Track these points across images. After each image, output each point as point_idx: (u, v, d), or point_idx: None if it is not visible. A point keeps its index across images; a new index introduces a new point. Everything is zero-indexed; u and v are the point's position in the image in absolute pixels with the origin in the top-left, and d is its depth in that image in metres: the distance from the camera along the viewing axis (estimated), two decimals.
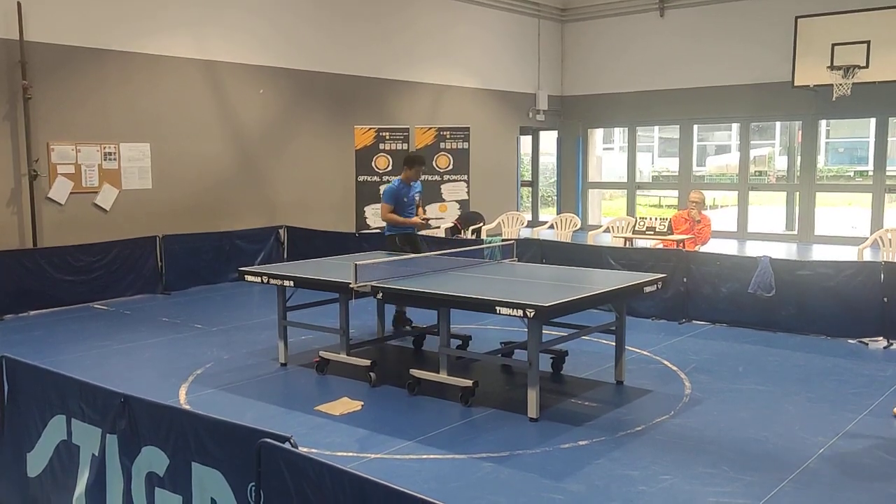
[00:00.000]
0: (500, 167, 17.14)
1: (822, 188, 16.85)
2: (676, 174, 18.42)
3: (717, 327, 8.49)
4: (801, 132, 16.43)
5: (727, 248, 13.68)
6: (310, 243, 11.71)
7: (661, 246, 10.29)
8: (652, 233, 10.58)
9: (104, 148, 10.83)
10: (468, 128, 14.09)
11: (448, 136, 13.79)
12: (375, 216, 12.45)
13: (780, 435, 5.28)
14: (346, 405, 5.94)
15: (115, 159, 10.94)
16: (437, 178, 13.78)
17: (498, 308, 5.44)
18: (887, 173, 15.38)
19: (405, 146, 13.56)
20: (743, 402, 5.98)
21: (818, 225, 16.02)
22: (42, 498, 3.93)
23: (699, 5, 16.61)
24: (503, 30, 17.09)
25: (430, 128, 13.88)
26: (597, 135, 19.88)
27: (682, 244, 10.13)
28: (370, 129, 13.41)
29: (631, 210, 17.94)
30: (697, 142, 20.19)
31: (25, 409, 3.99)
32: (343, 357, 6.75)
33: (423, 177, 13.45)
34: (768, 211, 19.22)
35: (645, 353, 7.42)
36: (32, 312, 9.39)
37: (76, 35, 10.51)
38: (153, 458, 3.31)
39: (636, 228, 10.90)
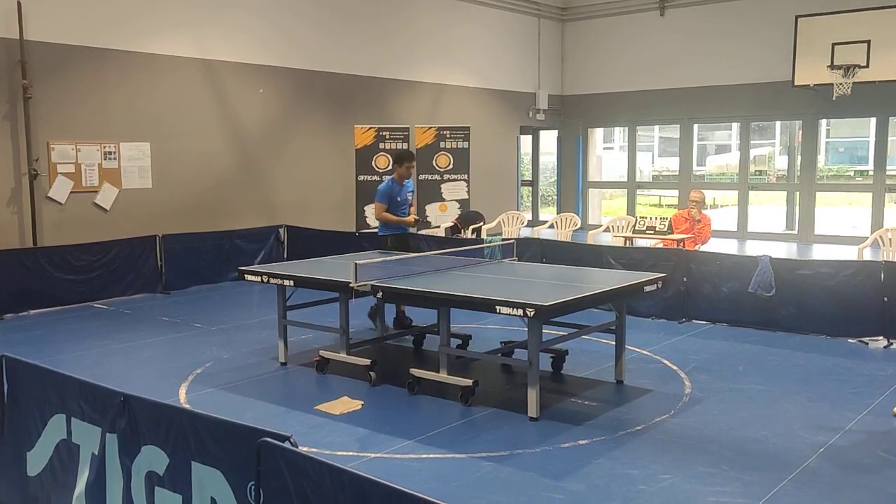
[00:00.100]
0: (501, 167, 17.14)
1: (822, 188, 16.85)
2: (676, 174, 18.42)
3: (717, 327, 8.49)
4: (801, 132, 16.42)
5: (727, 247, 13.68)
6: (310, 243, 11.71)
7: (661, 245, 10.28)
8: (652, 232, 10.57)
9: (104, 147, 10.83)
10: (468, 127, 14.09)
11: (448, 136, 13.79)
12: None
13: (780, 434, 5.28)
14: (346, 404, 5.94)
15: (115, 159, 10.94)
16: (437, 177, 13.78)
17: (498, 307, 5.43)
18: (887, 173, 15.38)
19: (405, 146, 13.56)
20: (743, 402, 5.98)
21: (818, 224, 16.02)
22: (42, 497, 3.93)
23: (699, 5, 16.61)
24: (503, 29, 17.09)
25: (431, 127, 13.88)
26: (597, 134, 19.88)
27: (682, 243, 10.12)
28: (370, 128, 13.41)
29: (631, 209, 17.94)
30: (697, 141, 20.19)
31: (25, 408, 3.99)
32: (343, 356, 6.75)
33: (423, 176, 13.66)
34: (768, 210, 19.23)
35: (645, 352, 7.42)
36: (32, 312, 9.39)
37: (76, 34, 10.51)
38: (153, 458, 3.31)
39: (636, 228, 10.90)
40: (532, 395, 5.59)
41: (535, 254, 9.80)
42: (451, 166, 13.78)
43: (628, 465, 4.77)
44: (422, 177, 13.74)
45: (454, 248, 9.70)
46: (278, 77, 12.91)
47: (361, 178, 13.11)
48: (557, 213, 16.41)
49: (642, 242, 10.92)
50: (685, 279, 8.77)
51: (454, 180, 13.81)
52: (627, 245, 10.70)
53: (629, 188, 18.43)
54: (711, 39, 16.42)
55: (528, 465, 4.78)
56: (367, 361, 6.52)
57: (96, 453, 3.57)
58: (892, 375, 6.64)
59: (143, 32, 11.15)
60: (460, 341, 7.40)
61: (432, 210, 13.79)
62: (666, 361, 7.10)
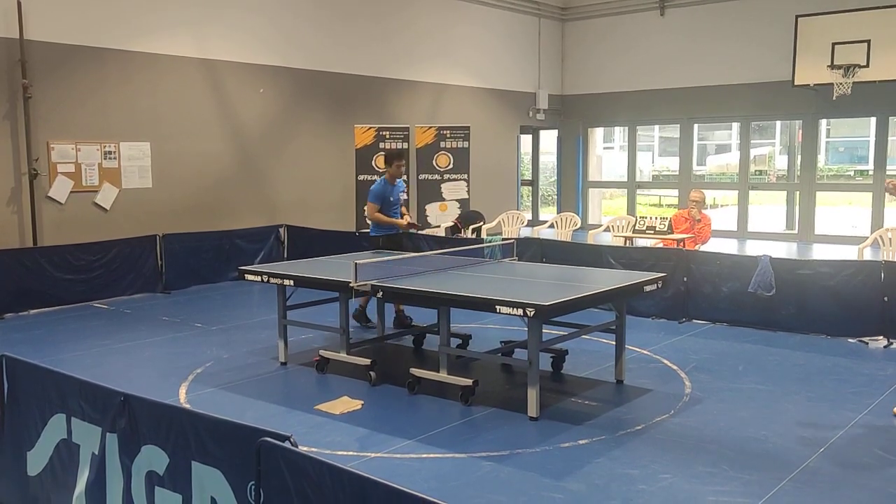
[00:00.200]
0: (501, 166, 17.14)
1: (822, 187, 16.84)
2: (677, 173, 18.42)
3: (717, 326, 8.49)
4: (801, 131, 16.42)
5: (727, 247, 13.69)
6: (310, 242, 11.71)
7: (661, 245, 10.28)
8: (652, 232, 10.57)
9: (104, 147, 10.83)
10: (468, 127, 14.10)
11: (448, 136, 13.79)
12: None
13: (780, 434, 5.28)
14: (346, 404, 5.94)
15: (115, 158, 10.94)
16: (437, 177, 13.79)
17: (498, 307, 5.43)
18: (887, 172, 15.38)
19: (405, 145, 13.56)
20: (743, 402, 5.98)
21: (818, 224, 16.02)
22: (42, 497, 3.93)
23: (699, 4, 16.61)
24: (503, 29, 17.09)
25: (431, 127, 13.89)
26: (597, 134, 19.88)
27: (682, 243, 10.12)
28: (370, 128, 13.41)
29: (631, 209, 17.94)
30: (698, 141, 20.19)
31: (25, 407, 3.99)
32: (343, 356, 6.75)
33: (423, 176, 13.66)
34: (768, 210, 19.23)
35: (645, 352, 7.42)
36: (32, 311, 9.40)
37: (76, 34, 10.51)
38: (153, 457, 3.31)
39: (636, 227, 10.90)
40: (532, 395, 5.59)
41: (535, 253, 9.80)
42: (451, 166, 13.78)
43: (628, 465, 4.77)
44: (422, 176, 13.74)
45: (454, 247, 9.71)
46: (278, 77, 12.91)
47: (361, 177, 13.11)
48: (557, 213, 16.40)
49: (642, 242, 10.92)
50: (685, 279, 8.77)
51: (454, 180, 13.82)
52: (627, 245, 10.69)
53: (629, 188, 18.43)
54: (711, 39, 16.43)
55: (528, 465, 4.79)
56: (367, 361, 6.53)
57: (96, 453, 3.57)
58: (892, 375, 6.64)
59: (143, 32, 11.15)
60: (460, 341, 7.40)
61: (432, 210, 13.80)
62: (666, 361, 7.10)
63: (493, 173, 16.65)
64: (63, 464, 3.79)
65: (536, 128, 18.82)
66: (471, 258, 7.84)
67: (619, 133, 25.61)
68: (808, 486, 4.47)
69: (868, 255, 10.40)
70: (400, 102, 14.92)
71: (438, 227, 13.38)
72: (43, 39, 10.20)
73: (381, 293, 6.11)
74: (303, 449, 2.84)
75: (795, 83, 14.57)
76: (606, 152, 25.09)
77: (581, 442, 5.16)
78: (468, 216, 13.55)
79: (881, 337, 7.71)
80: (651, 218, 10.91)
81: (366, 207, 8.52)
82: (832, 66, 13.89)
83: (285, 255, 12.12)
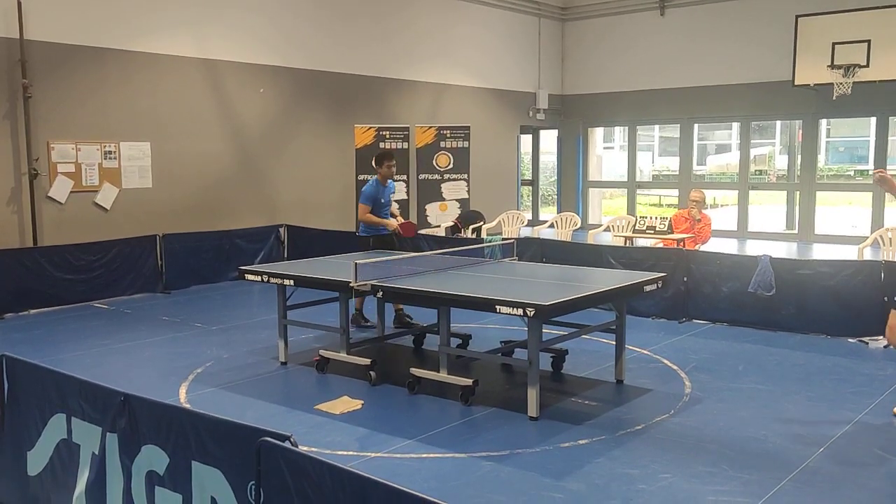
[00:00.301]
0: (501, 166, 17.14)
1: (822, 187, 16.84)
2: (677, 173, 18.42)
3: (717, 326, 8.49)
4: (801, 131, 16.43)
5: (727, 247, 13.69)
6: (310, 242, 11.71)
7: (661, 245, 10.28)
8: (652, 232, 10.57)
9: (104, 147, 10.83)
10: (468, 127, 14.10)
11: (448, 135, 13.79)
12: None
13: (780, 434, 5.28)
14: (346, 404, 5.94)
15: (115, 158, 10.94)
16: (437, 177, 13.79)
17: (498, 307, 5.43)
18: (888, 172, 15.35)
19: (406, 145, 13.57)
20: (743, 401, 5.98)
21: (818, 224, 16.02)
22: (42, 496, 3.93)
23: (699, 4, 16.61)
24: (504, 29, 17.09)
25: (431, 127, 13.89)
26: (597, 134, 19.88)
27: (682, 243, 10.12)
28: (370, 128, 13.41)
29: (631, 209, 17.94)
30: (698, 141, 20.20)
31: (26, 407, 3.99)
32: (343, 356, 6.75)
33: (423, 176, 13.66)
34: (768, 210, 19.23)
35: (645, 352, 7.42)
36: (33, 311, 9.40)
37: (76, 34, 10.51)
38: (153, 457, 3.31)
39: (636, 227, 10.90)
40: (532, 395, 5.59)
41: (535, 253, 9.81)
42: (451, 166, 13.78)
43: (628, 465, 4.78)
44: (422, 176, 13.75)
45: (454, 247, 9.70)
46: (278, 77, 12.91)
47: (361, 177, 13.11)
48: (557, 213, 16.40)
49: (642, 242, 10.92)
50: (685, 279, 8.77)
51: (454, 180, 13.82)
52: (627, 245, 10.69)
53: (629, 188, 18.43)
54: (711, 39, 16.43)
55: (528, 465, 4.79)
56: (368, 361, 6.53)
57: (96, 453, 3.57)
58: (892, 375, 6.64)
59: (143, 32, 11.15)
60: (460, 341, 7.40)
61: (432, 210, 13.80)
62: (666, 361, 7.10)
63: (493, 173, 16.65)
64: (63, 464, 3.79)
65: (536, 128, 18.82)
66: (471, 258, 7.84)
67: (619, 133, 25.61)
68: (808, 486, 4.47)
69: (868, 255, 10.40)
70: (400, 102, 14.92)
71: (438, 227, 13.39)
72: (43, 39, 10.20)
73: (381, 293, 6.12)
74: (303, 449, 2.84)
75: (795, 83, 14.58)
76: (606, 152, 25.10)
77: (581, 442, 5.16)
78: (468, 216, 13.55)
79: (881, 337, 7.69)
80: (651, 218, 10.92)
81: (357, 208, 8.54)
82: (832, 66, 13.89)
83: (285, 255, 12.13)
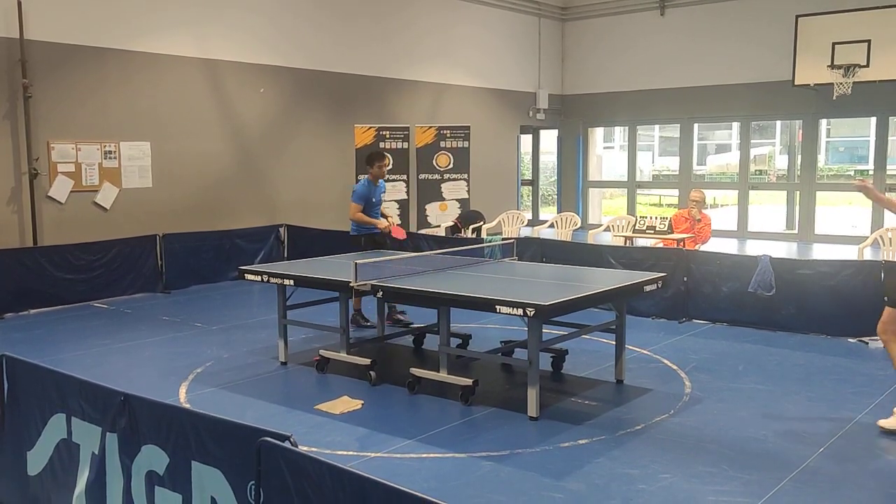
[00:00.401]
0: (501, 166, 17.14)
1: (822, 187, 16.84)
2: (677, 173, 18.42)
3: (717, 326, 8.49)
4: (801, 131, 16.43)
5: (727, 247, 13.69)
6: (310, 242, 11.71)
7: (661, 245, 10.28)
8: (652, 232, 10.57)
9: (104, 146, 10.83)
10: (468, 127, 14.10)
11: (448, 135, 13.80)
12: None
13: (780, 434, 5.28)
14: (346, 404, 5.94)
15: (115, 158, 10.94)
16: (437, 177, 13.79)
17: (498, 307, 5.43)
18: (888, 172, 15.38)
19: (405, 145, 13.57)
20: (743, 401, 5.98)
21: (818, 224, 16.02)
22: (42, 496, 3.93)
23: (699, 4, 16.61)
24: (504, 29, 17.09)
25: (431, 127, 13.89)
26: (597, 133, 19.88)
27: (682, 243, 10.12)
28: (370, 127, 13.41)
29: (631, 209, 17.94)
30: (698, 141, 20.20)
31: (26, 407, 3.99)
32: (343, 356, 6.75)
33: (423, 176, 13.66)
34: (768, 210, 19.23)
35: (645, 352, 7.42)
36: (33, 311, 9.40)
37: (76, 33, 10.51)
38: (153, 457, 3.31)
39: (636, 227, 10.90)
40: (532, 395, 5.59)
41: (535, 253, 9.81)
42: (451, 166, 13.78)
43: (628, 465, 4.78)
44: (422, 176, 13.75)
45: (454, 247, 9.70)
46: (279, 76, 12.91)
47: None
48: (557, 213, 16.41)
49: (642, 242, 10.92)
50: (685, 279, 8.77)
51: (454, 180, 13.82)
52: (627, 245, 10.69)
53: (629, 188, 18.43)
54: (711, 39, 16.42)
55: (528, 465, 4.79)
56: (368, 361, 6.53)
57: (96, 453, 3.57)
58: (892, 375, 6.62)
59: (143, 32, 11.15)
60: (460, 341, 7.40)
61: (432, 209, 13.80)
62: (666, 361, 7.10)
63: (493, 173, 16.65)
64: (63, 463, 3.79)
65: (536, 127, 18.82)
66: (471, 258, 7.84)
67: (619, 133, 25.62)
68: (808, 486, 4.47)
69: (868, 255, 10.40)
70: (400, 102, 14.92)
71: (438, 226, 13.39)
72: (43, 39, 10.20)
73: (381, 293, 6.12)
74: (303, 449, 2.84)
75: (795, 83, 14.58)
76: (606, 152, 25.10)
77: (581, 442, 5.16)
78: (468, 216, 13.56)
79: None
80: (651, 218, 10.92)
81: (350, 207, 8.57)
82: (832, 66, 13.89)
83: (285, 255, 12.13)
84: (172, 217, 11.45)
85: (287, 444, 2.81)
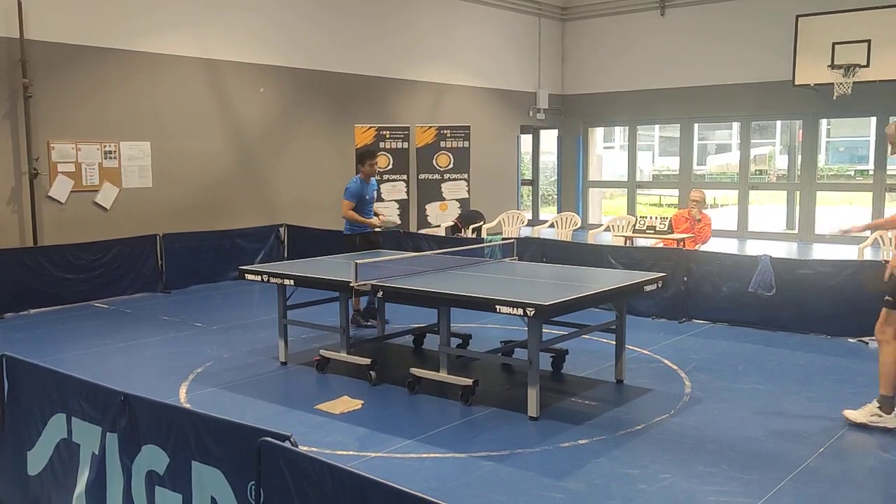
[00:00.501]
0: (501, 166, 17.14)
1: (822, 187, 16.84)
2: (677, 173, 18.42)
3: (717, 326, 8.49)
4: (801, 131, 16.42)
5: (727, 247, 13.68)
6: (310, 242, 11.71)
7: (661, 245, 10.29)
8: (652, 232, 10.57)
9: (104, 146, 10.83)
10: (469, 126, 14.10)
11: (448, 135, 13.80)
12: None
13: (780, 434, 5.28)
14: (346, 404, 5.94)
15: (115, 158, 10.94)
16: (437, 176, 13.79)
17: (498, 307, 5.43)
18: (888, 172, 15.38)
19: (406, 145, 13.57)
20: (743, 402, 5.98)
21: (819, 224, 16.01)
22: (42, 496, 3.93)
23: (700, 4, 16.60)
24: (504, 28, 17.09)
25: (431, 126, 13.89)
26: (597, 133, 19.88)
27: (682, 243, 10.13)
28: (371, 127, 13.41)
29: (631, 209, 17.94)
30: (698, 140, 20.19)
31: (26, 407, 3.99)
32: (343, 356, 6.75)
33: (423, 176, 13.66)
34: (769, 210, 19.23)
35: (645, 352, 7.42)
36: (33, 311, 9.40)
37: (76, 33, 10.51)
38: (153, 457, 3.31)
39: (636, 227, 10.90)
40: (532, 395, 5.59)
41: (535, 253, 9.80)
42: (451, 166, 13.78)
43: (628, 465, 4.78)
44: (422, 176, 13.75)
45: (454, 247, 9.70)
46: (279, 76, 12.91)
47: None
48: (558, 213, 16.41)
49: (642, 242, 10.92)
50: (685, 279, 8.77)
51: (454, 180, 13.82)
52: (628, 245, 10.70)
53: (629, 188, 18.43)
54: (712, 39, 16.42)
55: (528, 465, 4.79)
56: (368, 361, 6.53)
57: (96, 453, 3.57)
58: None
59: (143, 31, 11.15)
60: (460, 341, 7.40)
61: (432, 209, 13.80)
62: (666, 361, 7.10)
63: (494, 173, 16.65)
64: (63, 463, 3.79)
65: (536, 127, 18.82)
66: (471, 258, 7.84)
67: (620, 133, 25.62)
68: (808, 487, 4.47)
69: (868, 255, 10.39)
70: (400, 102, 14.92)
71: (438, 226, 13.39)
72: (43, 39, 10.20)
73: (381, 293, 6.12)
74: (303, 449, 2.84)
75: (796, 83, 14.58)
76: (606, 152, 25.10)
77: (581, 442, 5.16)
78: (468, 216, 13.56)
79: None
80: (651, 218, 10.92)
81: (342, 205, 8.58)
82: (832, 66, 13.89)
83: (285, 255, 12.12)
84: (172, 217, 11.45)
85: (287, 444, 2.81)
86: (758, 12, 15.80)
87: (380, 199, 12.95)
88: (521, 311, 5.29)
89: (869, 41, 13.66)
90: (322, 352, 6.89)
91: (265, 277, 6.91)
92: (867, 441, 5.17)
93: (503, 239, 10.86)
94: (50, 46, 10.26)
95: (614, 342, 6.52)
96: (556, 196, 19.89)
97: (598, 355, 7.14)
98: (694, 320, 8.68)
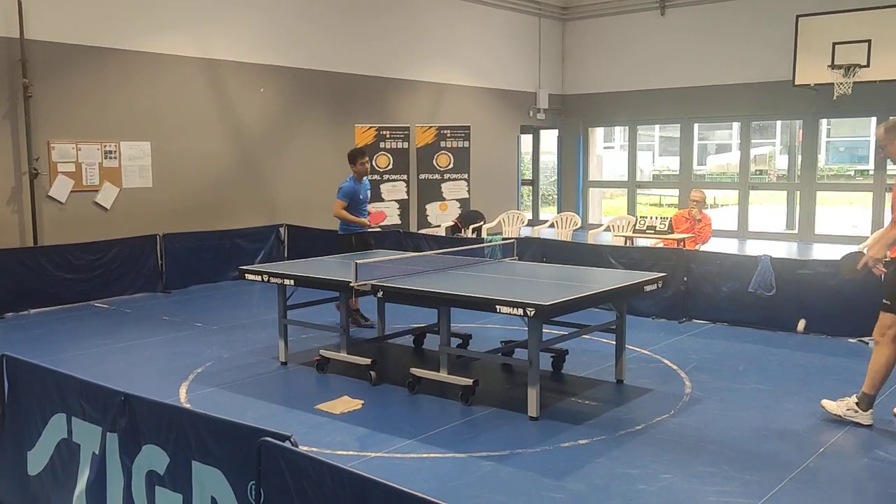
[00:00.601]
0: (501, 166, 17.14)
1: (822, 187, 16.85)
2: (677, 173, 18.42)
3: (717, 326, 8.49)
4: (801, 131, 16.43)
5: (728, 247, 13.69)
6: (310, 242, 11.71)
7: (661, 245, 10.29)
8: (652, 232, 10.58)
9: (105, 146, 10.83)
10: (469, 126, 14.10)
11: (449, 135, 13.80)
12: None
13: (780, 434, 5.28)
14: (346, 404, 5.94)
15: (115, 158, 10.94)
16: (437, 176, 13.79)
17: (498, 307, 5.43)
18: (888, 172, 15.39)
19: (406, 145, 13.57)
20: (743, 402, 5.98)
21: (819, 224, 16.02)
22: (42, 496, 3.93)
23: (700, 4, 16.60)
24: (504, 28, 17.09)
25: (431, 126, 13.89)
26: (597, 133, 19.88)
27: (682, 243, 10.13)
28: (371, 127, 13.41)
29: (631, 209, 17.94)
30: (698, 140, 20.20)
31: (26, 407, 3.99)
32: (343, 356, 6.75)
33: (423, 176, 13.66)
34: (769, 210, 19.23)
35: (645, 351, 7.42)
36: (33, 311, 9.40)
37: (76, 33, 10.51)
38: (153, 457, 3.31)
39: (637, 227, 10.90)
40: (532, 395, 5.59)
41: (535, 253, 9.80)
42: (451, 166, 13.78)
43: (628, 465, 4.77)
44: (422, 176, 13.75)
45: (454, 247, 9.71)
46: (279, 76, 12.91)
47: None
48: (558, 213, 16.42)
49: (643, 242, 10.92)
50: (685, 279, 8.77)
51: (454, 179, 13.82)
52: (628, 244, 10.70)
53: (629, 187, 18.43)
54: (712, 39, 16.42)
55: (528, 465, 4.79)
56: (368, 361, 6.53)
57: (97, 453, 3.57)
58: (892, 375, 6.62)
59: (143, 31, 11.15)
60: (461, 341, 7.40)
61: (432, 209, 13.80)
62: (666, 361, 7.10)
63: (494, 173, 16.65)
64: (63, 463, 3.79)
65: (537, 127, 18.82)
66: (471, 258, 7.84)
67: (620, 133, 25.62)
68: (808, 487, 4.47)
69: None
70: (400, 102, 14.92)
71: (438, 226, 13.39)
72: (43, 39, 10.20)
73: (381, 293, 6.12)
74: (303, 449, 2.84)
75: (796, 83, 14.58)
76: (607, 152, 25.10)
77: (581, 442, 5.16)
78: (468, 216, 13.56)
79: None
80: (651, 218, 10.92)
81: (334, 204, 8.57)
82: (832, 66, 13.89)
83: (285, 255, 12.12)
84: (172, 217, 11.45)
85: (287, 444, 2.81)
86: (758, 12, 15.80)
87: (380, 200, 12.98)
88: (521, 311, 5.29)
89: (869, 41, 13.66)
90: (322, 352, 6.89)
91: (265, 277, 6.91)
92: (867, 441, 5.17)
93: (503, 239, 10.86)
94: (50, 46, 10.26)
95: (614, 342, 6.52)
96: (556, 196, 19.89)
97: (598, 355, 7.14)
98: (694, 320, 8.68)
